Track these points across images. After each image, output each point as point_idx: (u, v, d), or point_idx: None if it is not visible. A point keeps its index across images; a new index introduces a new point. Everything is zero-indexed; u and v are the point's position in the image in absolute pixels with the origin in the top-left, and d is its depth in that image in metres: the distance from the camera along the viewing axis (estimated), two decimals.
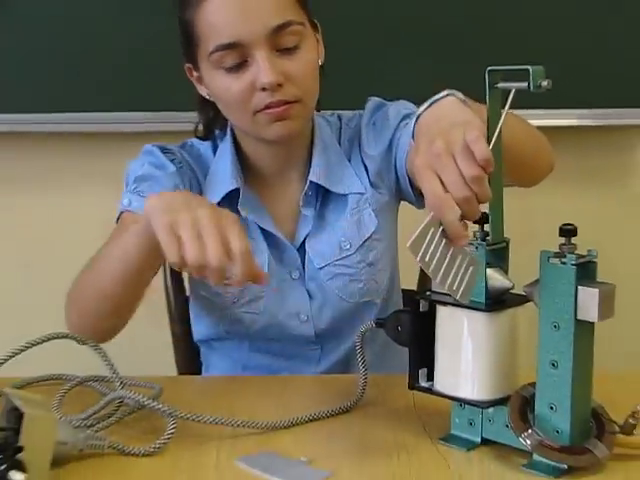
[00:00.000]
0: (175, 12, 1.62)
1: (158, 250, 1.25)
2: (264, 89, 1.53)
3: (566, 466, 1.18)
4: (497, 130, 1.17)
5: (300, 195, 1.69)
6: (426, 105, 1.37)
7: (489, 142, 1.17)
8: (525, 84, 1.16)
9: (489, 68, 1.18)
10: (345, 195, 1.69)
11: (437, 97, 1.39)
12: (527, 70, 1.15)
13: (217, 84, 1.59)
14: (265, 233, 1.68)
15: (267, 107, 1.55)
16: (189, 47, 1.61)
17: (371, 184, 1.71)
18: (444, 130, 1.15)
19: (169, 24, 1.63)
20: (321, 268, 1.69)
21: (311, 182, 1.67)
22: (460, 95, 1.38)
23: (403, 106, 1.68)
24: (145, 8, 2.12)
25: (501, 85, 1.19)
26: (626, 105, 2.37)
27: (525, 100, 1.16)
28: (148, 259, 1.41)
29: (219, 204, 1.65)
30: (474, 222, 1.22)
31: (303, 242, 1.70)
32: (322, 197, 1.70)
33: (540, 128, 1.44)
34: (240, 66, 1.54)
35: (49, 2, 2.43)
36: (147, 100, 2.38)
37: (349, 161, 1.72)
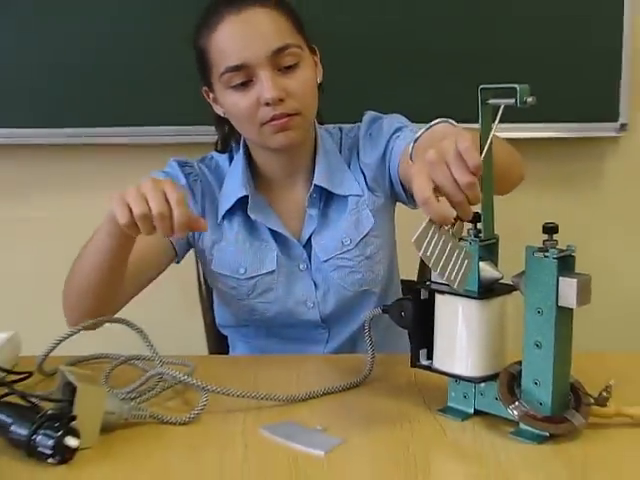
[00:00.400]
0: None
1: (124, 232, 1.33)
2: (268, 104, 1.54)
3: (548, 433, 1.19)
4: (489, 141, 1.18)
5: (305, 197, 1.69)
6: (423, 130, 1.43)
7: (481, 151, 1.18)
8: (513, 100, 1.16)
9: (481, 86, 1.19)
10: (345, 197, 1.70)
11: (432, 123, 1.44)
12: (514, 88, 1.15)
13: (228, 101, 1.60)
14: (273, 232, 1.69)
15: (271, 119, 1.56)
16: (204, 72, 1.63)
17: (368, 188, 1.71)
18: (437, 141, 1.16)
19: None
20: (325, 261, 1.69)
21: (315, 185, 1.67)
22: (452, 122, 1.43)
23: (396, 119, 1.69)
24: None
25: (492, 101, 1.19)
26: (595, 120, 2.38)
27: (512, 115, 1.16)
28: (119, 242, 1.44)
29: (231, 209, 1.69)
30: (468, 221, 1.23)
31: (309, 238, 1.70)
32: (325, 198, 1.70)
33: (524, 139, 1.45)
34: (247, 84, 1.56)
35: (85, 20, 2.41)
36: (178, 114, 2.38)
37: (349, 167, 1.72)
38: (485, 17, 2.33)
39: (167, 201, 1.27)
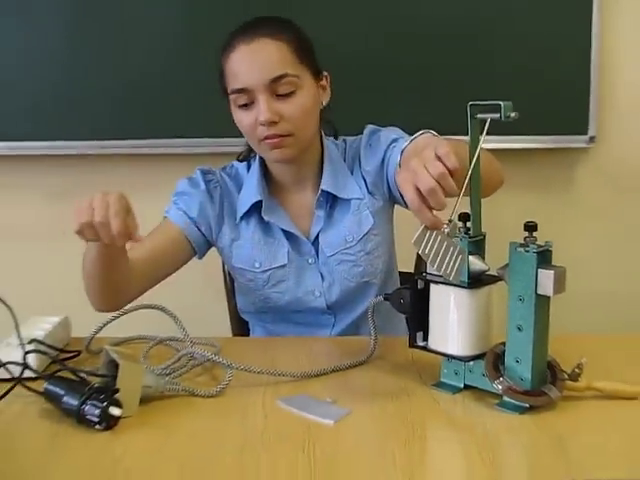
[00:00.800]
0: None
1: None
2: (262, 124, 1.56)
3: (528, 405, 1.20)
4: (477, 150, 1.18)
5: (314, 200, 1.69)
6: (408, 142, 1.52)
7: (470, 159, 1.18)
8: (498, 115, 1.17)
9: (470, 103, 1.19)
10: (349, 200, 1.70)
11: (416, 135, 1.52)
12: (499, 105, 1.16)
13: (236, 117, 1.61)
14: (285, 231, 1.70)
15: (265, 138, 1.58)
16: (223, 89, 1.63)
17: (368, 192, 1.71)
18: (419, 151, 1.17)
19: None
20: (331, 256, 1.69)
21: (322, 190, 1.68)
22: (434, 132, 1.51)
23: (393, 132, 1.69)
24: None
25: (479, 116, 1.19)
26: (568, 133, 2.38)
27: (497, 128, 1.17)
28: (99, 249, 1.44)
29: (248, 212, 1.70)
30: (459, 220, 1.24)
31: (317, 236, 1.70)
32: (331, 201, 1.70)
33: (507, 150, 1.45)
34: (249, 105, 1.57)
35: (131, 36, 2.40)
36: (209, 127, 2.38)
37: (351, 174, 1.72)
38: (472, 44, 2.33)
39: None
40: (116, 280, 1.53)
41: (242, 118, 1.59)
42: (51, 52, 2.37)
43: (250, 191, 1.71)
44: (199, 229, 1.70)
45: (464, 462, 1.08)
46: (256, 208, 1.70)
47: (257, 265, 1.70)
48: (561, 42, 2.34)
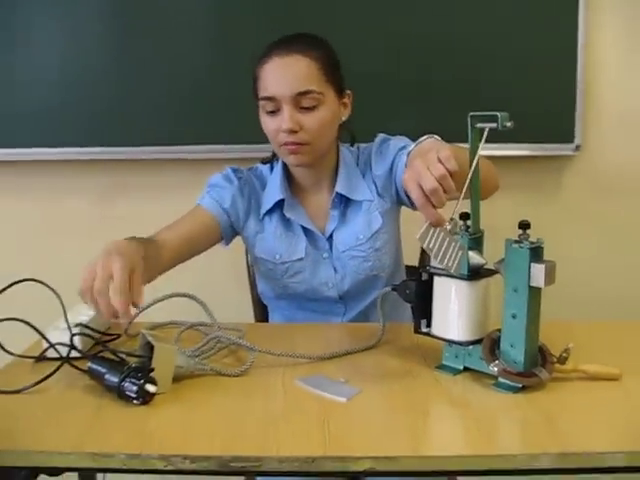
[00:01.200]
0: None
1: None
2: (284, 131, 1.55)
3: (521, 385, 1.19)
4: (476, 157, 1.17)
5: (329, 201, 1.69)
6: (413, 145, 1.50)
7: (470, 164, 1.17)
8: (495, 124, 1.15)
9: (471, 113, 1.18)
10: (360, 201, 1.69)
11: (421, 139, 1.50)
12: (496, 115, 1.15)
13: (262, 121, 1.61)
14: (303, 228, 1.69)
15: (285, 144, 1.57)
16: (255, 94, 1.62)
17: (378, 194, 1.70)
18: (423, 153, 1.17)
19: None
20: (343, 252, 1.68)
21: (337, 192, 1.67)
22: (437, 137, 1.48)
23: (401, 140, 1.68)
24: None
25: (478, 125, 1.18)
26: (556, 142, 2.37)
27: (494, 137, 1.16)
28: None
29: (271, 208, 1.69)
30: (460, 219, 1.23)
31: (331, 233, 1.69)
32: (344, 202, 1.69)
33: (502, 157, 1.44)
34: (275, 112, 1.57)
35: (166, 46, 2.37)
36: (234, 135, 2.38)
37: (363, 177, 1.71)
38: (467, 60, 2.32)
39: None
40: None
41: (268, 123, 1.59)
42: (93, 61, 2.35)
43: (274, 190, 1.70)
44: (229, 218, 1.69)
45: (463, 435, 1.07)
46: (279, 205, 1.69)
47: (277, 257, 1.69)
48: (549, 59, 2.32)
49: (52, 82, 2.36)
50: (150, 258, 1.35)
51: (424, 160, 1.13)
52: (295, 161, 1.61)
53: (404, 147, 1.64)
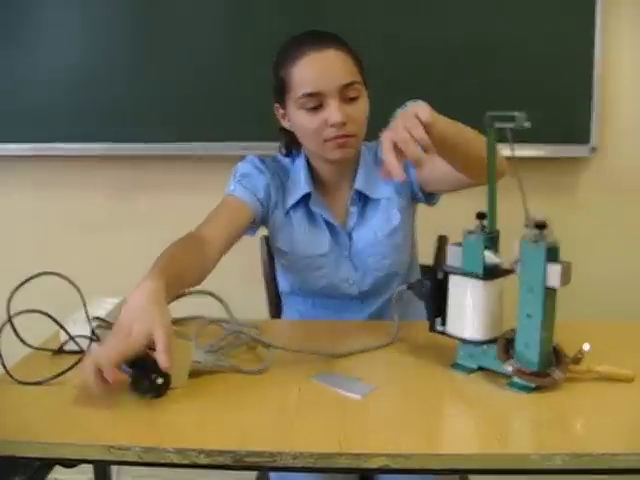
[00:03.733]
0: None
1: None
2: (333, 125, 1.53)
3: (534, 385, 1.18)
4: (493, 155, 1.17)
5: (348, 197, 1.68)
6: (399, 109, 1.42)
7: (488, 165, 1.17)
8: (512, 125, 1.14)
9: (488, 113, 1.17)
10: (378, 199, 1.68)
11: (407, 103, 1.45)
12: (514, 115, 1.14)
13: (299, 120, 1.57)
14: (327, 223, 1.68)
15: (334, 138, 1.54)
16: (281, 93, 1.60)
17: (396, 192, 1.69)
18: (403, 112, 1.21)
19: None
20: (363, 249, 1.68)
21: (355, 189, 1.66)
22: (422, 102, 1.33)
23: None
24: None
25: (496, 125, 1.17)
26: (572, 143, 2.36)
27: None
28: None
29: (297, 203, 1.68)
30: (476, 218, 1.22)
31: (351, 230, 1.69)
32: (363, 200, 1.69)
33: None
34: (317, 108, 1.54)
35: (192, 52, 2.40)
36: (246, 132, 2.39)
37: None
38: (483, 60, 2.31)
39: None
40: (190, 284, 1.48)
41: (307, 121, 1.56)
42: (113, 58, 2.37)
43: (299, 183, 1.69)
44: (262, 208, 1.67)
45: (477, 434, 1.07)
46: (303, 199, 1.68)
47: (300, 250, 1.68)
48: (565, 60, 2.31)
49: (71, 79, 2.38)
50: (173, 279, 1.29)
51: (400, 116, 1.18)
52: (342, 155, 1.58)
53: None
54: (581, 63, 2.32)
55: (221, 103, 2.35)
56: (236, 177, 1.69)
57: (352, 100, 1.54)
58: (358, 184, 1.66)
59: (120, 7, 2.36)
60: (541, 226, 1.15)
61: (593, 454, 0.98)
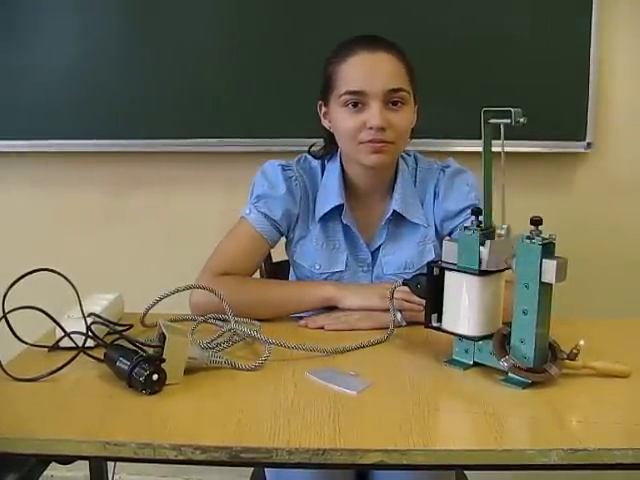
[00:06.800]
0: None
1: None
2: (371, 128, 1.50)
3: (530, 381, 1.18)
4: (489, 150, 1.16)
5: (381, 212, 1.64)
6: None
7: (484, 161, 1.16)
8: (508, 120, 1.14)
9: (484, 109, 1.17)
10: (416, 224, 1.64)
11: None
12: (510, 111, 1.13)
13: (339, 117, 1.55)
14: (347, 237, 1.65)
15: (370, 141, 1.52)
16: (326, 90, 1.58)
17: (434, 224, 1.66)
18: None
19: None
20: (388, 274, 1.64)
21: (393, 209, 1.62)
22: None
23: (468, 190, 1.64)
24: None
25: (492, 121, 1.17)
26: (568, 139, 2.36)
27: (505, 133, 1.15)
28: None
29: (327, 214, 1.64)
30: (472, 214, 1.22)
31: (377, 248, 1.65)
32: (397, 220, 1.64)
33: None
34: (358, 108, 1.52)
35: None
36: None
37: (424, 199, 1.66)
38: (482, 59, 2.30)
39: None
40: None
41: (347, 119, 1.53)
42: (110, 55, 2.35)
43: (331, 193, 1.64)
44: (279, 230, 1.64)
45: (472, 429, 1.06)
46: (332, 211, 1.64)
47: (317, 267, 1.65)
48: (561, 57, 2.30)
49: (68, 76, 2.36)
50: None
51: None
52: (377, 160, 1.54)
53: (466, 208, 1.61)
54: (577, 60, 2.31)
55: (217, 101, 2.34)
56: (252, 197, 1.65)
57: (396, 107, 1.52)
58: (395, 204, 1.62)
59: (117, 5, 2.35)
60: (537, 222, 1.15)
61: (589, 449, 0.98)
